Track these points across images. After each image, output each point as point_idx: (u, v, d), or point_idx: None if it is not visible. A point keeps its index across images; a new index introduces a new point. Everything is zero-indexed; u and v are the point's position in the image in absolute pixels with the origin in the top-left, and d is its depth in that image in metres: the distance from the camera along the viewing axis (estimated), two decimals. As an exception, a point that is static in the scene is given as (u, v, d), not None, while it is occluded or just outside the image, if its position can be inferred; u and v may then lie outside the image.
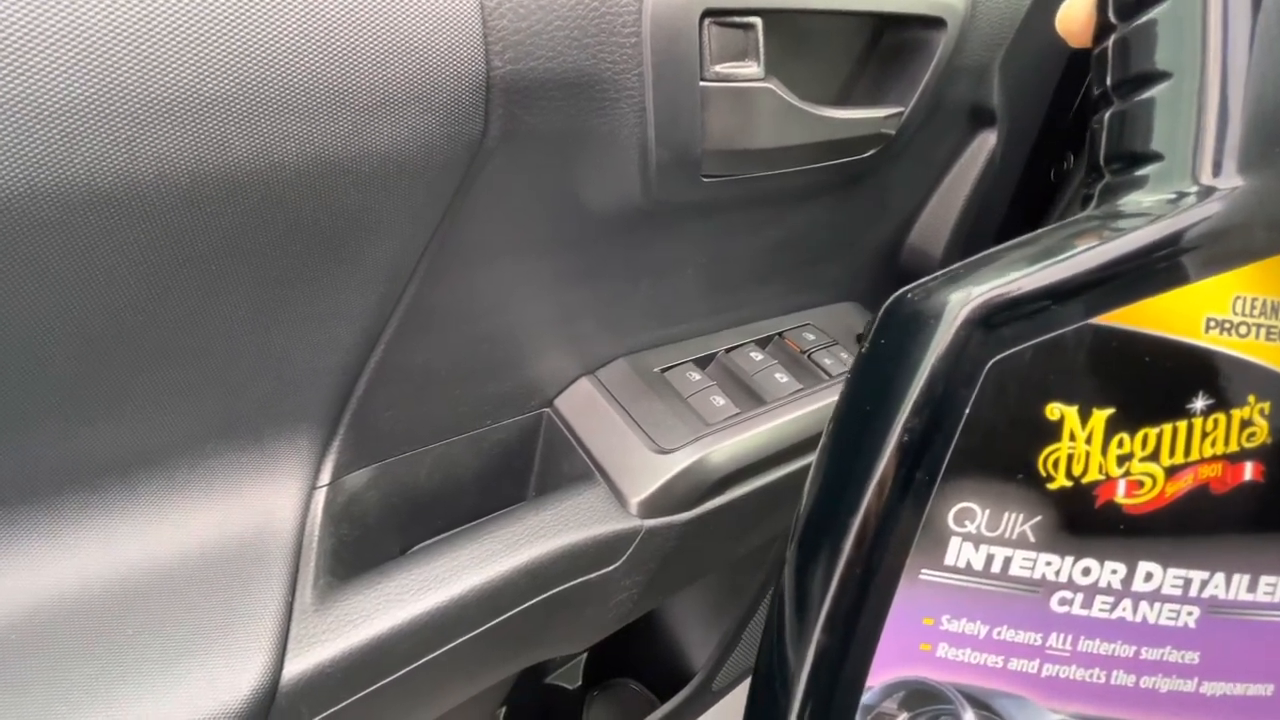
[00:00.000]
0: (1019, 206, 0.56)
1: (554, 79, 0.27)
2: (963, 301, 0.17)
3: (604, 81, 0.29)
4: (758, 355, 0.45)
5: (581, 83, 0.28)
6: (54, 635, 0.27)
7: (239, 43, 0.21)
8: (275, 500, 0.32)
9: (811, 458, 0.49)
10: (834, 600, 0.18)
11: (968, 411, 0.16)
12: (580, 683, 0.75)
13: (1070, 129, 0.52)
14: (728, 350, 0.46)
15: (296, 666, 0.29)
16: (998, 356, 0.16)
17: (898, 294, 0.19)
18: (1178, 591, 0.17)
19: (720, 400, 0.42)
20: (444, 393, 0.36)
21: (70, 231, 0.21)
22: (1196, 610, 0.17)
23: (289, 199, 0.24)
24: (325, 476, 0.34)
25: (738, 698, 0.75)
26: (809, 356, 0.46)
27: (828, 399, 0.44)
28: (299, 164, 0.24)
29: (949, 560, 0.17)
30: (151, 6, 0.20)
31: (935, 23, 0.37)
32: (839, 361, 0.46)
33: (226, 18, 0.21)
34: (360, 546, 0.36)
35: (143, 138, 0.21)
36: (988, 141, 0.48)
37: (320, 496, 0.34)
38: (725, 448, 0.39)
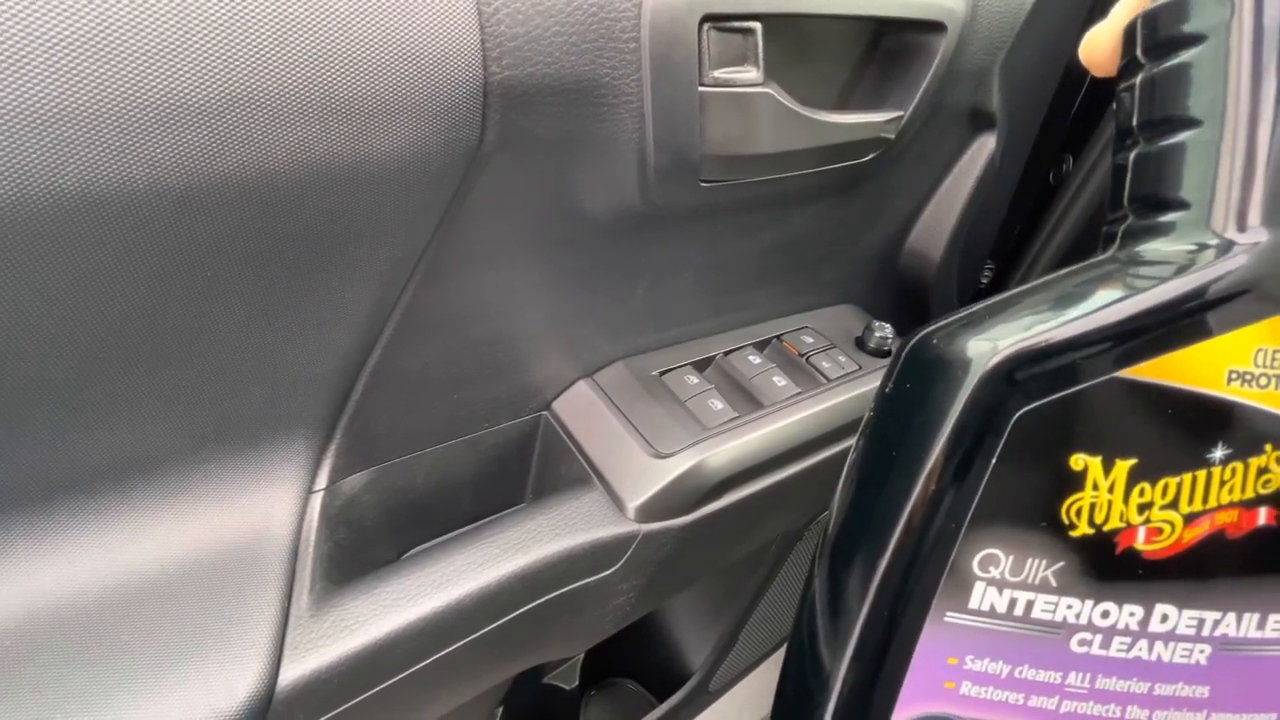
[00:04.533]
0: (1018, 209, 0.56)
1: (552, 85, 0.27)
2: (990, 352, 0.17)
3: (602, 87, 0.28)
4: (756, 358, 0.45)
5: (579, 88, 0.28)
6: (48, 641, 0.27)
7: (233, 49, 0.21)
8: (271, 505, 0.32)
9: (809, 462, 0.49)
10: (860, 639, 0.18)
11: (994, 462, 0.17)
12: (577, 683, 0.75)
13: (1068, 132, 0.52)
14: (726, 353, 0.46)
15: (292, 672, 0.29)
16: (1025, 409, 0.17)
17: (920, 335, 0.19)
18: (1191, 631, 0.17)
19: (718, 404, 0.41)
20: (441, 396, 0.36)
21: (63, 239, 0.21)
22: (1208, 648, 0.17)
23: (284, 205, 0.24)
24: (322, 480, 0.34)
25: (734, 698, 0.75)
26: (807, 359, 0.46)
27: (826, 402, 0.44)
28: (294, 171, 0.23)
29: (973, 604, 0.18)
30: (145, 13, 0.20)
31: (935, 27, 0.37)
32: (837, 365, 0.46)
33: (221, 24, 0.21)
34: (357, 550, 0.36)
35: (136, 145, 0.20)
36: (987, 145, 0.48)
37: (317, 501, 0.33)
38: (723, 452, 0.39)
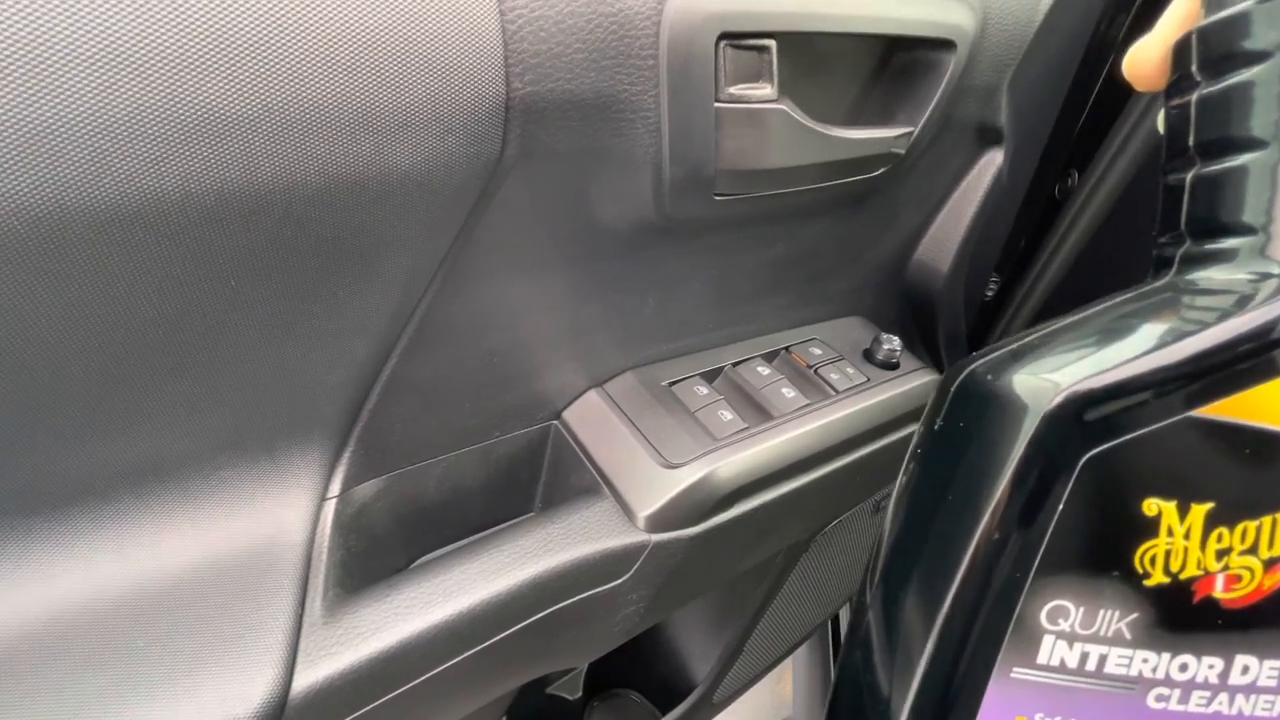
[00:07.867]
0: (1023, 223, 0.56)
1: (572, 100, 0.27)
2: (1052, 391, 0.16)
3: (621, 102, 0.29)
4: (765, 369, 0.46)
5: (599, 104, 0.28)
6: (65, 646, 0.27)
7: (265, 65, 0.21)
8: (286, 512, 0.32)
9: (818, 473, 0.49)
10: (919, 695, 0.17)
11: (1060, 508, 0.16)
12: (581, 693, 0.75)
13: (1074, 147, 0.53)
14: (735, 364, 0.46)
15: (306, 679, 0.29)
16: (1092, 452, 0.16)
17: (967, 369, 0.18)
18: (1273, 683, 0.16)
19: (728, 415, 0.42)
20: (453, 405, 0.37)
21: (96, 249, 0.21)
22: None
23: (310, 216, 0.25)
24: (335, 488, 0.34)
25: (738, 710, 0.75)
26: (815, 371, 0.47)
27: (834, 414, 0.44)
28: (321, 183, 0.24)
29: (1042, 659, 0.17)
30: (181, 29, 0.20)
31: (945, 44, 0.38)
32: (845, 377, 0.46)
33: (253, 41, 0.21)
34: (368, 558, 0.36)
35: (170, 158, 0.21)
36: (994, 159, 0.48)
37: (330, 508, 0.34)
38: (733, 463, 0.40)
